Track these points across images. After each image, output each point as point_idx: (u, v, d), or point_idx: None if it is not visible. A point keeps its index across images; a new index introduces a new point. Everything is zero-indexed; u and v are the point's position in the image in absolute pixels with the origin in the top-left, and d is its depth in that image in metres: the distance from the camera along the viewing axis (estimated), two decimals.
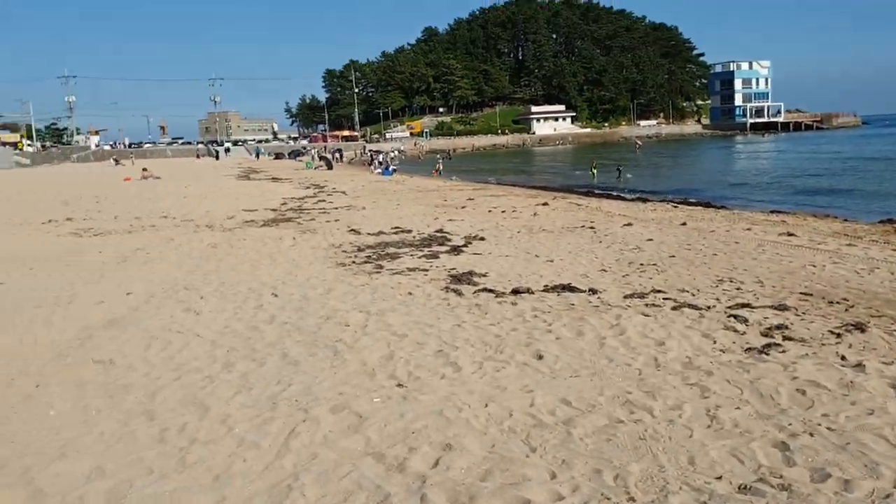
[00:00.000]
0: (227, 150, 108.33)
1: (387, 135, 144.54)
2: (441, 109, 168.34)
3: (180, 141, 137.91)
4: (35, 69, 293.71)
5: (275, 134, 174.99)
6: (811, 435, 4.86)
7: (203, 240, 16.60)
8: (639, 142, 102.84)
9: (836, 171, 43.24)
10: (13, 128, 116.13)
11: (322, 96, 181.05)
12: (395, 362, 6.92)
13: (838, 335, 7.41)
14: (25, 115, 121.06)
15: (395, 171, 54.42)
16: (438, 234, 16.47)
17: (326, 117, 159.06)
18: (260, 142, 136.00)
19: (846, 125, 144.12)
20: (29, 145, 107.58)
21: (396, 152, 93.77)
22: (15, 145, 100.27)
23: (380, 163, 62.37)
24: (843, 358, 6.61)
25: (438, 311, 9.03)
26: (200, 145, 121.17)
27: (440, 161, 59.94)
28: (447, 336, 7.77)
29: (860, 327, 7.67)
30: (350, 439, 5.13)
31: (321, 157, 73.40)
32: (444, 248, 14.32)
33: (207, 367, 7.03)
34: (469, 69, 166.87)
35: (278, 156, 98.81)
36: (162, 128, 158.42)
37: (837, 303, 9.10)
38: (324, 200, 27.73)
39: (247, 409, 5.82)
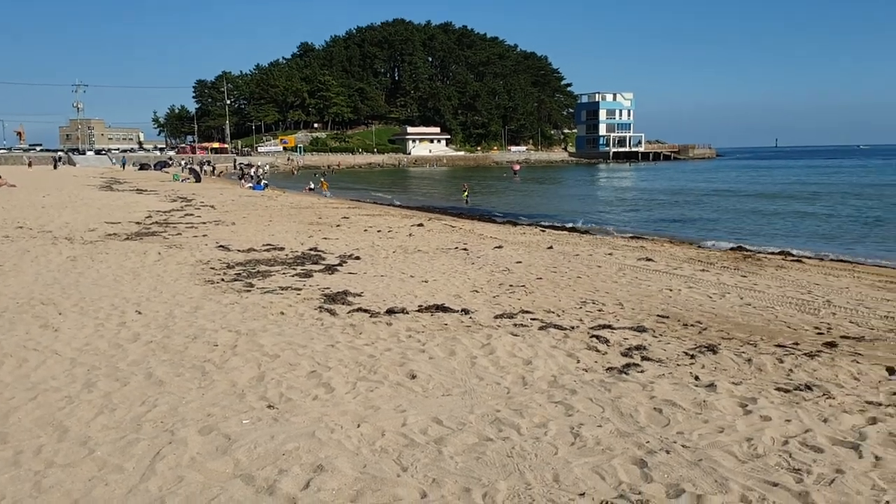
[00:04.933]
0: (83, 153, 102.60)
1: (259, 148, 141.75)
2: (316, 125, 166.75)
3: (38, 147, 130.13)
4: None
5: (140, 143, 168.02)
6: (667, 452, 5.13)
7: (62, 252, 15.70)
8: (516, 167, 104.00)
9: (692, 200, 45.87)
10: None
11: (192, 107, 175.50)
12: (266, 383, 6.79)
13: (692, 356, 7.86)
14: None
15: (266, 185, 53.43)
16: (312, 253, 16.29)
17: (196, 128, 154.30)
18: (125, 151, 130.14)
19: (702, 156, 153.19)
20: None
21: (269, 167, 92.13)
22: None
23: (251, 177, 61.12)
24: (696, 378, 7.01)
25: (312, 331, 8.93)
26: (60, 153, 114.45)
27: (322, 179, 58.04)
28: (320, 356, 7.70)
29: (712, 349, 8.17)
30: (218, 461, 5.00)
31: (189, 169, 71.13)
32: (318, 267, 14.17)
33: (66, 386, 6.66)
34: (345, 86, 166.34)
35: (143, 166, 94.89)
36: (19, 133, 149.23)
37: (692, 325, 9.65)
38: (191, 214, 26.84)
39: (109, 431, 5.56)
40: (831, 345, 8.55)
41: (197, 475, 4.78)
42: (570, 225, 29.36)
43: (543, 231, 24.73)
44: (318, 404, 6.21)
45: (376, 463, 4.97)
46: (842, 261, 18.73)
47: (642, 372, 7.19)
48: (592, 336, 8.68)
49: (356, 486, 4.62)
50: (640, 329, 9.22)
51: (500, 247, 18.24)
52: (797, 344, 8.64)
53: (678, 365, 7.52)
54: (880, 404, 6.17)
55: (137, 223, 22.99)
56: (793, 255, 19.18)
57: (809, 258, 18.90)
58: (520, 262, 15.56)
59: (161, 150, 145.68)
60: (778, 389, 6.61)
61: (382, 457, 5.08)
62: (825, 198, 45.49)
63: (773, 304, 11.44)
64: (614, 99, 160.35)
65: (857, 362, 7.70)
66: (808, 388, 6.64)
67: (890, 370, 7.36)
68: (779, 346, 8.52)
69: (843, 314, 10.68)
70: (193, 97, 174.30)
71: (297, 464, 4.95)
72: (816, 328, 9.68)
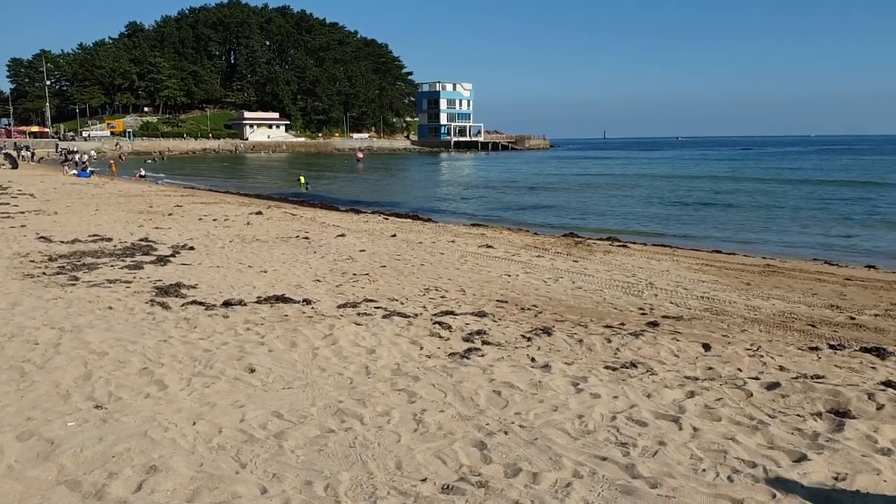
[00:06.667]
0: None
1: (84, 133, 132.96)
2: (147, 109, 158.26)
3: None
4: None
5: None
6: (505, 433, 5.30)
7: None
8: (360, 154, 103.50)
9: (528, 188, 47.51)
10: None
11: (6, 87, 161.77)
12: (94, 382, 6.40)
13: (529, 339, 8.17)
14: None
15: (93, 172, 50.31)
16: (143, 243, 15.53)
17: (11, 111, 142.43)
18: None
19: (537, 147, 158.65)
20: None
21: (95, 152, 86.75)
22: None
23: (76, 163, 57.40)
24: (532, 360, 7.29)
25: (143, 325, 8.51)
26: None
27: (111, 162, 55.01)
28: (152, 352, 7.35)
29: (547, 331, 8.52)
30: (40, 468, 4.67)
31: (5, 155, 65.68)
32: (149, 259, 13.52)
33: None
34: (178, 69, 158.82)
35: None
36: None
37: (528, 309, 10.02)
38: (7, 203, 24.85)
39: None
40: (654, 324, 9.14)
41: (14, 484, 4.45)
42: (413, 213, 29.62)
43: (387, 219, 24.80)
44: (150, 402, 5.94)
45: (213, 461, 4.82)
46: (663, 245, 20.02)
47: (483, 356, 7.38)
48: (435, 323, 8.81)
49: (192, 486, 4.46)
50: (481, 314, 9.46)
51: (342, 235, 18.13)
52: (623, 324, 9.17)
53: (516, 348, 7.78)
54: (697, 379, 6.66)
55: None
56: (619, 241, 20.28)
57: (634, 243, 20.06)
58: (363, 250, 15.54)
59: None
60: (606, 368, 6.99)
61: (220, 454, 4.93)
62: (649, 185, 48.50)
63: (602, 287, 12.08)
64: (454, 89, 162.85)
65: (677, 340, 8.27)
66: (634, 365, 7.07)
67: (706, 346, 7.96)
68: (607, 326, 9.01)
69: (664, 295, 11.44)
70: (8, 77, 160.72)
71: (128, 466, 4.72)
72: (640, 309, 10.31)
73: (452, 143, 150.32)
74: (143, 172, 53.00)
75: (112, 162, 51.95)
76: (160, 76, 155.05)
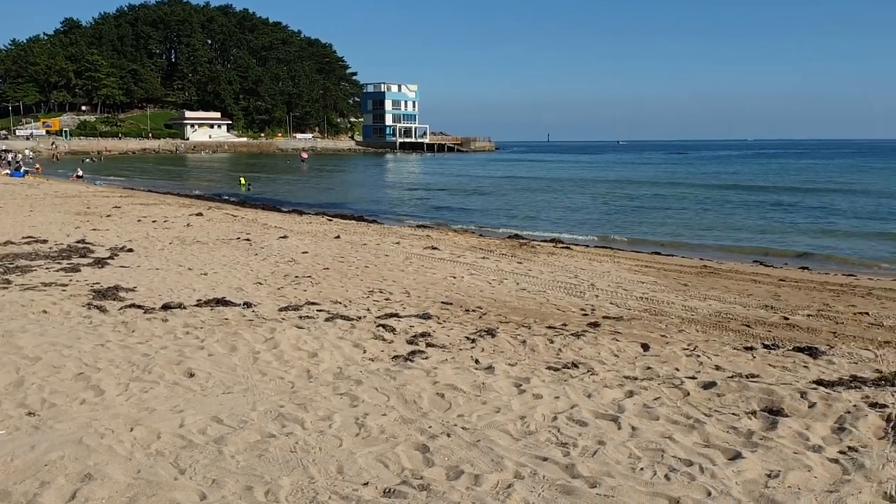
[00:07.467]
0: None
1: (17, 132, 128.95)
2: (84, 108, 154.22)
3: None
4: None
5: None
6: (448, 435, 5.31)
7: None
8: (304, 154, 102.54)
9: (474, 190, 47.72)
10: None
11: None
12: (26, 388, 6.22)
13: (473, 340, 8.20)
14: None
15: (27, 172, 48.87)
16: (80, 245, 15.15)
17: None
18: None
19: (482, 149, 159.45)
20: None
21: (30, 151, 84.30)
22: None
23: (9, 163, 55.74)
24: (476, 361, 7.32)
25: (79, 329, 8.30)
26: None
27: (78, 168, 53.88)
28: (89, 357, 7.17)
29: (491, 332, 8.57)
30: None
31: None
32: (86, 261, 13.20)
33: None
34: (117, 67, 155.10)
35: None
36: None
37: (473, 311, 10.06)
38: None
39: None
40: (595, 325, 9.27)
41: None
42: (358, 214, 29.48)
43: (331, 220, 24.64)
44: (86, 408, 5.79)
45: (151, 467, 4.73)
46: (604, 247, 20.32)
47: (427, 358, 7.39)
48: (379, 325, 8.79)
49: (129, 493, 4.37)
50: (426, 316, 9.47)
51: (285, 237, 17.96)
52: (566, 325, 9.27)
53: (460, 349, 7.80)
54: (636, 378, 6.78)
55: None
56: (562, 242, 20.52)
57: (577, 245, 20.32)
58: (306, 252, 15.41)
59: None
60: (549, 368, 7.07)
61: (158, 460, 4.84)
62: (591, 188, 49.20)
63: (546, 288, 12.20)
64: (399, 90, 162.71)
65: (617, 340, 8.40)
66: (575, 365, 7.16)
67: (645, 346, 8.11)
68: (550, 327, 9.10)
69: (605, 296, 11.61)
70: None
71: (61, 474, 4.59)
72: (582, 310, 10.45)
73: (398, 144, 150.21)
74: (80, 173, 51.67)
75: (38, 165, 50.55)
76: (98, 74, 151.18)
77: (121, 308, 9.46)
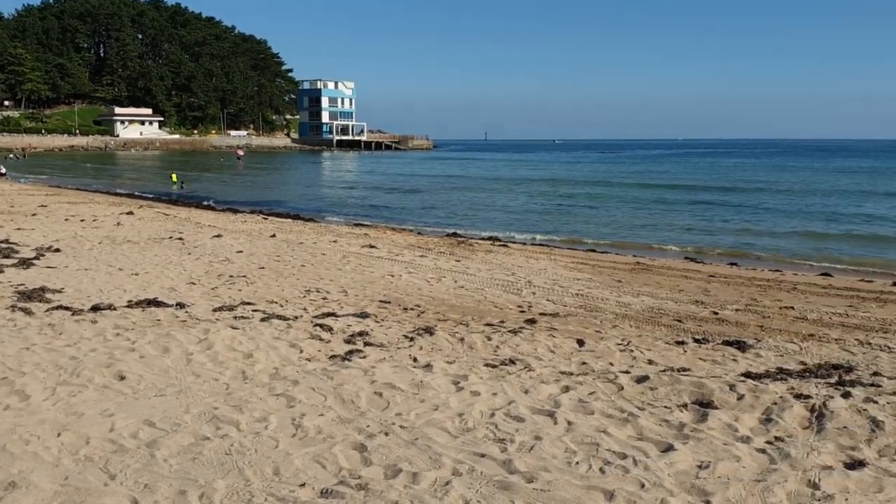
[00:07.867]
0: None
1: None
2: (7, 103, 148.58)
3: None
4: None
5: None
6: (386, 434, 5.29)
7: None
8: (240, 152, 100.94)
9: (411, 188, 47.67)
10: None
11: None
12: None
13: (411, 339, 8.20)
14: None
15: None
16: (3, 245, 14.61)
17: None
18: None
19: (420, 147, 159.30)
20: None
21: None
22: None
23: None
24: (415, 360, 7.32)
25: (2, 333, 8.00)
26: None
27: (1, 165, 51.76)
28: (13, 361, 6.92)
29: (429, 331, 8.58)
30: None
31: None
32: (10, 262, 12.73)
33: None
34: (42, 61, 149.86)
35: None
36: None
37: (411, 309, 10.06)
38: None
39: None
40: (532, 321, 9.37)
41: None
42: (294, 212, 29.15)
43: (266, 219, 24.32)
44: (10, 414, 5.59)
45: (80, 473, 4.59)
46: (541, 244, 20.54)
47: (364, 357, 7.35)
48: (316, 325, 8.71)
49: (56, 501, 4.23)
50: (364, 315, 9.42)
51: (219, 236, 17.65)
52: (503, 322, 9.35)
53: (398, 348, 7.79)
54: (572, 374, 6.87)
55: None
56: (500, 241, 20.67)
57: (514, 243, 20.49)
58: (241, 251, 15.18)
59: None
60: (487, 365, 7.11)
61: (87, 466, 4.70)
62: (528, 186, 49.67)
63: (483, 285, 12.27)
64: (336, 87, 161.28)
65: (553, 336, 8.50)
66: (512, 362, 7.22)
67: (580, 342, 8.22)
68: (487, 324, 9.16)
69: (542, 293, 11.74)
70: None
71: None
72: (520, 307, 10.54)
73: (335, 141, 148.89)
74: (3, 170, 49.81)
75: None
76: (22, 68, 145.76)
77: (47, 310, 9.16)
